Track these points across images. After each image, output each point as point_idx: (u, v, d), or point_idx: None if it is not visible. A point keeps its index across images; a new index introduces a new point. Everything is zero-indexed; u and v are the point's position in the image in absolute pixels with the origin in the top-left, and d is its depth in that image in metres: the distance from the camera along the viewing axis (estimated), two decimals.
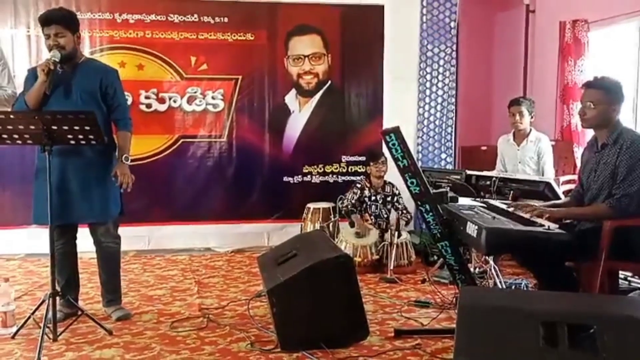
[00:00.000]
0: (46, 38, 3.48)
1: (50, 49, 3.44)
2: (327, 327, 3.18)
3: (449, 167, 5.91)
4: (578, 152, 5.22)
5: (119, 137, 3.67)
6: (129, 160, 3.61)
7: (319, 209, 5.38)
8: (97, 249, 3.72)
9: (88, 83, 3.54)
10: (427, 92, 5.91)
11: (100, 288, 3.81)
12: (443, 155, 5.97)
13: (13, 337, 3.34)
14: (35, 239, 4.85)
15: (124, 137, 3.66)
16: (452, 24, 5.88)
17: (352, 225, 5.07)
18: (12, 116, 3.21)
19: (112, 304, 3.77)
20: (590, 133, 3.42)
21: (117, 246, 3.77)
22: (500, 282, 4.03)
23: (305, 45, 5.75)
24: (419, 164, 5.44)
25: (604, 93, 3.16)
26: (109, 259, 3.75)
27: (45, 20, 3.48)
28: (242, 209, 5.72)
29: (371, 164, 5.24)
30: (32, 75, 3.53)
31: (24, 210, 5.16)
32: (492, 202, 3.57)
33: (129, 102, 5.34)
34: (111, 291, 3.79)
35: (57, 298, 3.35)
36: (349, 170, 5.86)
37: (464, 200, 3.46)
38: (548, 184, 3.89)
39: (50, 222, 3.30)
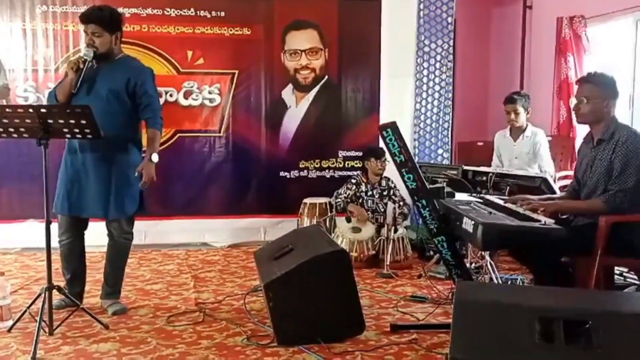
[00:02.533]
0: (85, 34, 3.54)
1: (87, 46, 3.50)
2: (324, 322, 3.19)
3: (446, 162, 5.92)
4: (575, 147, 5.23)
5: (147, 135, 3.66)
6: (157, 160, 3.57)
7: (316, 204, 5.38)
8: (109, 241, 3.74)
9: (115, 81, 3.55)
10: (424, 87, 5.91)
11: (102, 280, 3.82)
12: (440, 151, 5.98)
13: (9, 331, 3.34)
14: (32, 233, 4.83)
15: (153, 135, 3.63)
16: (449, 20, 5.87)
17: (348, 220, 5.07)
18: (8, 110, 3.20)
19: (109, 297, 3.77)
20: (585, 129, 3.43)
21: (128, 242, 3.78)
22: (496, 277, 4.04)
23: (302, 40, 5.73)
24: (416, 159, 5.44)
25: (598, 88, 3.18)
26: (117, 253, 3.77)
27: (84, 19, 3.53)
28: (239, 203, 5.72)
29: (372, 159, 5.22)
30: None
31: (20, 205, 5.20)
32: (488, 197, 3.57)
33: None
34: (111, 284, 3.79)
35: (55, 291, 3.35)
36: (346, 165, 5.85)
37: (460, 196, 3.46)
38: (544, 180, 3.90)
39: (47, 217, 3.29)
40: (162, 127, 3.72)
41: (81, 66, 3.43)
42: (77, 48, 5.24)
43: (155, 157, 3.56)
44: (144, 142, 3.71)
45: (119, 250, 3.76)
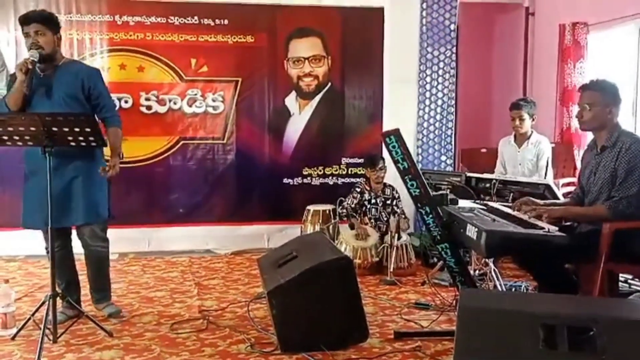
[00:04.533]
0: (26, 37, 3.47)
1: (29, 49, 3.43)
2: (327, 329, 3.19)
3: (449, 169, 5.92)
4: (578, 154, 5.22)
5: (109, 135, 3.63)
6: (123, 157, 3.57)
7: (319, 211, 5.38)
8: (85, 251, 3.69)
9: (69, 85, 3.52)
10: (427, 94, 5.92)
11: (89, 288, 3.80)
12: (443, 158, 5.98)
13: (13, 339, 3.35)
14: (36, 241, 4.81)
15: (115, 134, 3.64)
16: (452, 27, 5.88)
17: (352, 227, 5.07)
18: (12, 117, 3.21)
19: (101, 301, 3.77)
20: (590, 135, 3.43)
21: (105, 250, 3.74)
22: (500, 284, 4.03)
23: (305, 47, 5.75)
24: (419, 166, 5.45)
25: (600, 95, 3.19)
26: (97, 263, 3.72)
27: (25, 19, 3.49)
28: (242, 210, 5.72)
29: (369, 169, 5.26)
30: (14, 79, 3.47)
31: None
32: (492, 204, 3.57)
33: (129, 104, 5.38)
34: (99, 290, 3.78)
35: (59, 300, 3.36)
36: (349, 172, 5.86)
37: (463, 203, 3.46)
38: (548, 187, 3.90)
39: (51, 224, 3.29)
40: (121, 122, 3.70)
41: (30, 67, 3.35)
42: (82, 56, 5.27)
43: (122, 155, 3.58)
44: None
45: (98, 259, 3.71)
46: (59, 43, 3.58)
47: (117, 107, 3.83)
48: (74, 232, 3.74)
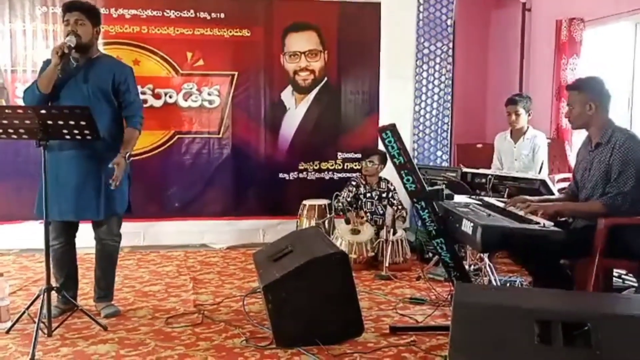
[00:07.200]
0: (65, 24, 3.48)
1: (67, 35, 3.42)
2: (322, 324, 3.19)
3: (445, 164, 5.92)
4: (572, 150, 5.23)
5: (125, 133, 3.64)
6: (128, 158, 3.53)
7: (315, 205, 5.38)
8: (97, 244, 3.70)
9: (100, 79, 3.53)
10: (423, 89, 5.91)
11: (94, 283, 3.80)
12: (439, 153, 5.98)
13: (7, 332, 3.34)
14: (30, 234, 4.83)
15: (130, 134, 3.63)
16: (449, 22, 5.87)
17: (347, 222, 5.07)
18: (7, 110, 3.19)
19: (102, 300, 3.75)
20: (584, 132, 3.45)
21: (117, 244, 3.75)
22: (495, 279, 4.04)
23: (301, 42, 5.74)
24: (415, 161, 5.45)
25: (579, 93, 3.26)
26: (107, 257, 3.73)
27: (68, 7, 3.50)
28: (238, 205, 5.72)
29: (362, 161, 5.30)
30: (47, 65, 3.46)
31: (18, 205, 5.18)
32: (487, 199, 3.58)
33: None
34: (104, 288, 3.77)
35: (53, 293, 3.35)
36: (345, 167, 5.85)
37: (459, 198, 3.46)
38: (543, 182, 3.91)
39: (46, 217, 3.28)
40: (142, 125, 3.69)
41: (66, 51, 3.34)
42: None
43: (128, 155, 3.53)
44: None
45: (109, 254, 3.73)
46: (97, 37, 3.60)
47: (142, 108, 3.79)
48: (80, 228, 3.73)
